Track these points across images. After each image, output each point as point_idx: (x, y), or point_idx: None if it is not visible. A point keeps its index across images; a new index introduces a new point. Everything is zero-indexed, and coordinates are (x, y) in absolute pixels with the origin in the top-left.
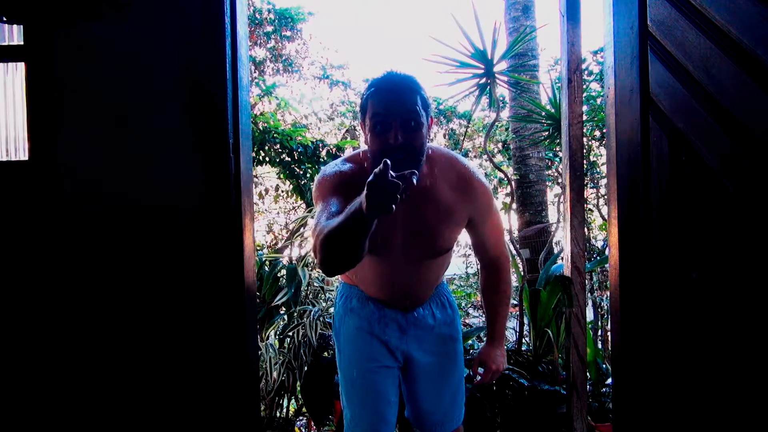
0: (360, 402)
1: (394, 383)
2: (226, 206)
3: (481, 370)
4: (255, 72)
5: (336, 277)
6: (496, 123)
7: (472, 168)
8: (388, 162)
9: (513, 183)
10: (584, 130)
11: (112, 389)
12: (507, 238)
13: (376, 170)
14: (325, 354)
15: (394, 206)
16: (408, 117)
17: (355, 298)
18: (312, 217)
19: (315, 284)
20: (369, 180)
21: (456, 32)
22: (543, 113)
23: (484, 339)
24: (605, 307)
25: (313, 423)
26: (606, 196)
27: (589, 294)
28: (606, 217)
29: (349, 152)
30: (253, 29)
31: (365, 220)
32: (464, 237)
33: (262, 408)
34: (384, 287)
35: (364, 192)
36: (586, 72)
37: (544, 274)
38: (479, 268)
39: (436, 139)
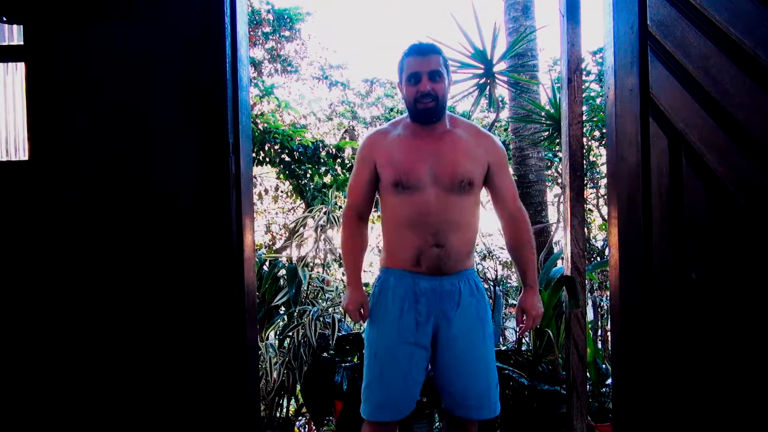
0: (378, 372)
1: (417, 361)
2: (226, 206)
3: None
4: (253, 72)
5: (338, 277)
6: (496, 123)
7: (490, 132)
8: (358, 317)
9: None
10: (584, 130)
11: (112, 388)
12: None
13: (353, 314)
14: (325, 354)
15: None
16: (434, 71)
17: (392, 277)
18: (312, 218)
19: (315, 284)
20: (348, 308)
21: (456, 32)
22: (543, 113)
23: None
24: (605, 307)
25: (312, 423)
26: (606, 196)
27: (589, 294)
28: (606, 217)
29: (349, 152)
30: (252, 30)
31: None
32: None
33: (262, 408)
34: (416, 227)
35: (346, 302)
36: (584, 72)
37: (544, 274)
38: (502, 227)
39: None
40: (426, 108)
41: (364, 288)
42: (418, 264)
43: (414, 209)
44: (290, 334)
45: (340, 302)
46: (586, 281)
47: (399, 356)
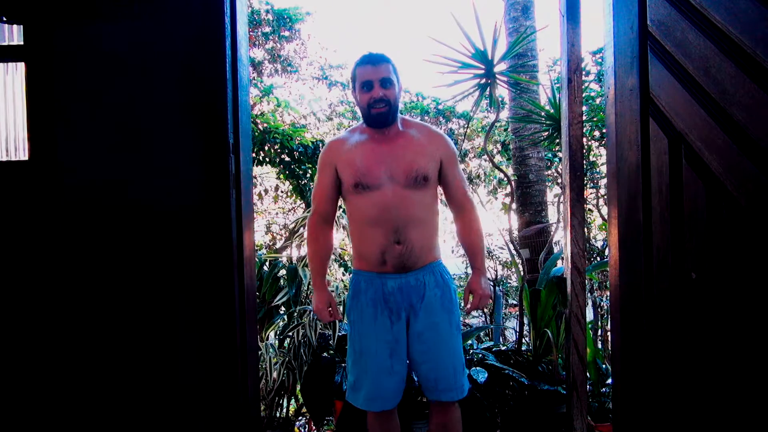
0: (363, 369)
1: (396, 356)
2: (226, 206)
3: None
4: (253, 73)
5: (338, 277)
6: (496, 123)
7: (441, 131)
8: (326, 316)
9: (513, 183)
10: (584, 130)
11: (111, 388)
12: (507, 238)
13: (322, 313)
14: (325, 354)
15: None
16: (385, 78)
17: (362, 281)
18: None
19: None
20: (317, 308)
21: (456, 33)
22: (543, 113)
23: (484, 338)
24: (605, 307)
25: (312, 423)
26: (606, 196)
27: (589, 294)
28: (606, 217)
29: None
30: (252, 30)
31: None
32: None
33: (262, 408)
34: (378, 224)
35: (314, 302)
36: (584, 72)
37: (544, 274)
38: (453, 217)
39: None
40: (379, 112)
41: (329, 289)
42: (384, 263)
43: (374, 207)
44: (290, 334)
45: (340, 302)
46: (586, 281)
47: (380, 355)
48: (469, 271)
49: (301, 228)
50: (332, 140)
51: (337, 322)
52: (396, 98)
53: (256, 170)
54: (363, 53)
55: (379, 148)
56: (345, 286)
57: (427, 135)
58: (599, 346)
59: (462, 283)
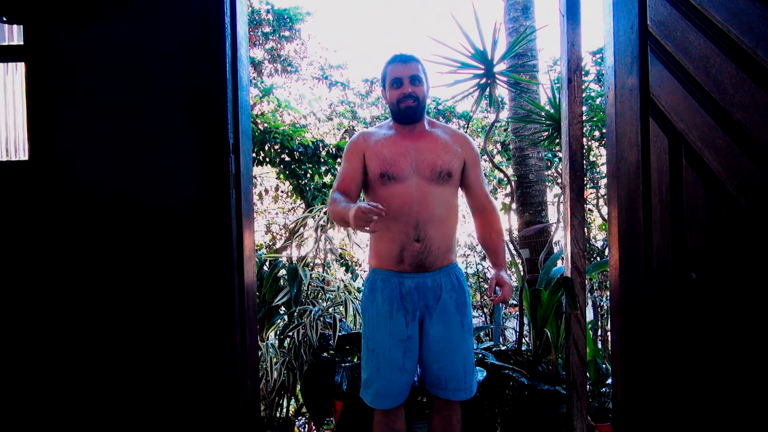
0: (376, 366)
1: (409, 354)
2: (226, 206)
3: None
4: (253, 73)
5: (338, 277)
6: (496, 123)
7: (465, 133)
8: (370, 209)
9: (513, 183)
10: (584, 130)
11: (111, 389)
12: (507, 238)
13: (365, 209)
14: (325, 354)
15: (368, 228)
16: (414, 75)
17: (379, 279)
18: (312, 218)
19: (315, 284)
20: (356, 214)
21: (456, 33)
22: (543, 113)
23: (484, 338)
24: (605, 307)
25: (312, 423)
26: (606, 196)
27: (589, 294)
28: (606, 217)
29: None
30: (252, 30)
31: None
32: (463, 240)
33: (262, 408)
34: (399, 218)
35: (352, 216)
36: (584, 72)
37: (544, 274)
38: (474, 218)
39: None
40: (408, 107)
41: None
42: (401, 261)
43: (397, 199)
44: (290, 334)
45: (341, 302)
46: (586, 281)
47: (394, 353)
48: (469, 271)
49: (302, 228)
50: (362, 131)
51: (337, 322)
52: (424, 96)
53: (256, 170)
54: (394, 53)
55: (406, 142)
56: (346, 286)
57: (452, 135)
58: (599, 346)
59: None
